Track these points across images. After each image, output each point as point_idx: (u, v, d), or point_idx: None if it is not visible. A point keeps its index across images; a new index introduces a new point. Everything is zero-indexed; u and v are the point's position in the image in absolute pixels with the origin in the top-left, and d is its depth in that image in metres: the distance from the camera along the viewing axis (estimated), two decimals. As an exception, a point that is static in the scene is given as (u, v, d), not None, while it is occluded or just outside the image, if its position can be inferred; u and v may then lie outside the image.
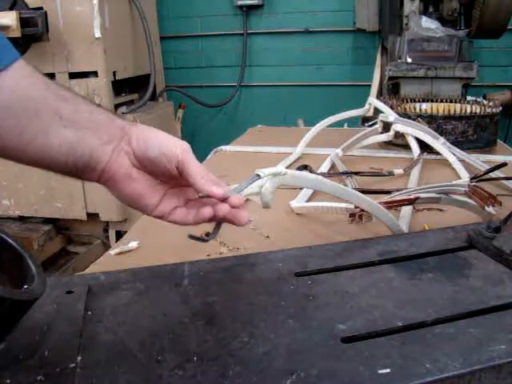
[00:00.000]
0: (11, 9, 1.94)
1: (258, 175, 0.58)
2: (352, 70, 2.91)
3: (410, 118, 1.31)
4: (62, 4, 2.04)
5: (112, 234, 2.32)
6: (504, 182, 1.00)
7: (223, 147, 1.44)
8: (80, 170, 0.51)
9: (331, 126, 1.44)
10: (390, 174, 1.08)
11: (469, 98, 1.56)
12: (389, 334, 0.45)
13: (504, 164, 0.89)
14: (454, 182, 0.87)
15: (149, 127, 0.54)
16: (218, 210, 0.53)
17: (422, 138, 1.24)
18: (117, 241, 1.18)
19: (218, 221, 0.56)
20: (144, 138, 0.52)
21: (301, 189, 0.97)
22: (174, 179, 0.54)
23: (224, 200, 0.53)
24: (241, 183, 0.56)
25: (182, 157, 0.51)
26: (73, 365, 0.41)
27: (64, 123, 0.49)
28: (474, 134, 1.31)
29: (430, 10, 2.01)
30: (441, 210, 0.88)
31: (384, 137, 1.33)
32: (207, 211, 0.53)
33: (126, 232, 0.87)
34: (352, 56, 2.90)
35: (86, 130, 0.50)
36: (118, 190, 0.53)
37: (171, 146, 0.51)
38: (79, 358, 0.42)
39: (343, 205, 0.78)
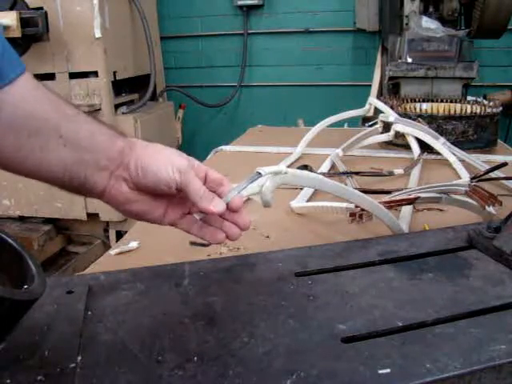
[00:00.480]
0: (11, 9, 1.94)
1: (259, 173, 0.58)
2: (352, 70, 2.91)
3: (410, 118, 1.31)
4: (62, 4, 2.04)
5: (112, 234, 2.32)
6: (504, 181, 1.00)
7: (223, 147, 1.44)
8: (76, 189, 0.51)
9: (331, 126, 1.44)
10: (391, 173, 1.08)
11: (469, 98, 1.56)
12: (389, 334, 0.45)
13: (504, 164, 0.89)
14: (455, 182, 0.87)
15: (146, 147, 0.52)
16: (228, 233, 0.55)
17: (422, 138, 1.24)
18: (117, 241, 1.19)
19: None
20: (142, 164, 0.50)
21: (301, 189, 0.97)
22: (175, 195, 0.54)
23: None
24: (241, 181, 0.56)
25: (181, 180, 0.50)
26: (73, 365, 0.41)
27: (64, 142, 0.48)
28: (474, 134, 1.31)
29: (431, 9, 2.01)
30: (441, 210, 0.88)
31: (384, 137, 1.33)
32: (220, 237, 0.54)
33: (126, 232, 0.87)
34: (352, 56, 2.90)
35: (84, 152, 0.49)
36: (121, 210, 0.54)
37: (169, 172, 0.50)
38: (79, 358, 0.42)
39: (343, 204, 0.77)
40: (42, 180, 0.50)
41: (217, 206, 0.52)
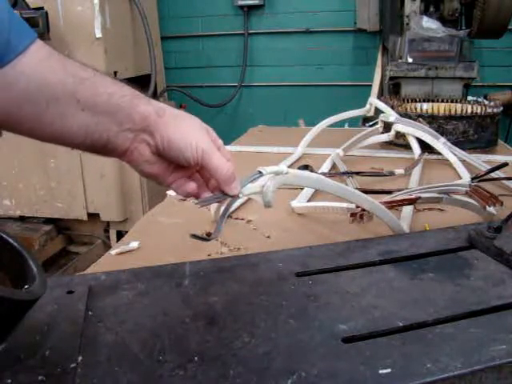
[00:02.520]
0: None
1: (260, 172, 0.58)
2: (353, 70, 2.91)
3: (410, 118, 1.31)
4: (63, 4, 2.05)
5: (113, 233, 2.32)
6: (505, 182, 1.00)
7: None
8: (98, 151, 0.52)
9: (332, 126, 1.44)
10: (391, 174, 1.08)
11: (470, 98, 1.56)
12: (389, 334, 0.45)
13: (505, 164, 0.89)
14: (455, 182, 0.87)
15: (176, 120, 0.53)
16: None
17: (422, 138, 1.23)
18: (117, 241, 1.19)
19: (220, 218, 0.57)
20: (168, 138, 0.51)
21: (301, 189, 0.97)
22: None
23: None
24: (242, 179, 0.56)
25: (203, 157, 0.52)
26: (74, 365, 0.41)
27: (82, 106, 0.48)
28: (474, 134, 1.31)
29: (431, 9, 2.01)
30: (442, 210, 0.88)
31: (385, 137, 1.33)
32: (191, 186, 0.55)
33: (126, 232, 0.88)
34: (353, 56, 2.90)
35: (104, 114, 0.49)
36: (137, 170, 0.55)
37: (193, 151, 0.51)
38: (80, 358, 0.42)
39: (344, 205, 0.77)
40: (64, 145, 0.51)
41: (235, 189, 0.55)
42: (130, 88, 0.52)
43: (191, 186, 0.55)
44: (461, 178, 1.04)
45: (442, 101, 1.49)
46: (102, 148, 0.51)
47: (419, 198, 0.77)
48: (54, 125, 0.48)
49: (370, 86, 2.46)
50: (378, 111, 1.48)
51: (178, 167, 0.55)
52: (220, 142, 0.56)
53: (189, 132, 0.52)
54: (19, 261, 0.42)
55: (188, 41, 3.06)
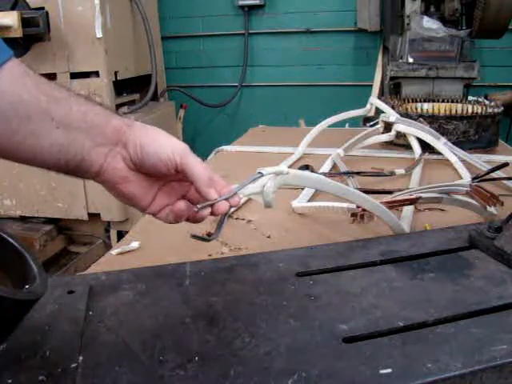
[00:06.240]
0: (12, 9, 1.94)
1: (261, 173, 0.58)
2: (353, 70, 2.91)
3: (411, 118, 1.31)
4: (64, 4, 2.04)
5: (113, 233, 2.32)
6: (505, 182, 1.00)
7: (224, 147, 1.44)
8: (72, 171, 0.51)
9: (332, 126, 1.44)
10: (392, 174, 1.08)
11: (470, 98, 1.56)
12: (390, 334, 0.45)
13: (506, 164, 0.88)
14: (456, 182, 0.87)
15: (145, 128, 0.53)
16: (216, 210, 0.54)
17: (423, 138, 1.23)
18: (118, 241, 1.18)
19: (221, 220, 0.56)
20: (141, 143, 0.51)
21: (302, 189, 0.97)
22: (172, 176, 0.54)
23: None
24: (242, 181, 0.56)
25: (181, 161, 0.51)
26: (74, 365, 0.41)
27: (56, 125, 0.48)
28: (475, 134, 1.31)
29: (432, 10, 2.01)
30: (442, 210, 0.88)
31: (385, 137, 1.33)
32: (206, 213, 0.53)
33: (127, 232, 0.88)
34: (353, 56, 2.90)
35: (78, 131, 0.49)
36: (115, 190, 0.53)
37: (169, 153, 0.50)
38: (81, 358, 0.42)
39: (345, 205, 0.77)
40: (37, 165, 0.50)
41: (213, 193, 0.52)
42: (103, 107, 0.52)
43: (179, 204, 0.53)
44: (461, 178, 1.04)
45: (443, 101, 1.49)
46: (76, 167, 0.50)
47: (420, 198, 0.77)
48: (27, 143, 0.47)
49: (371, 86, 2.46)
50: (378, 111, 1.48)
51: (161, 191, 0.54)
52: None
53: (160, 137, 0.52)
54: (20, 261, 0.42)
55: (188, 41, 3.06)
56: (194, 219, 0.54)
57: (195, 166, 0.51)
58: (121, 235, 2.22)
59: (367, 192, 0.76)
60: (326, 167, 1.14)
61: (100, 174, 0.52)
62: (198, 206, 0.53)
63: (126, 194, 0.53)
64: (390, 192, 0.83)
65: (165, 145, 0.51)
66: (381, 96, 2.16)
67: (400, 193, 0.81)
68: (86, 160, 0.50)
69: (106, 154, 0.51)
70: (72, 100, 0.50)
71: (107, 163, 0.51)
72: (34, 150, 0.48)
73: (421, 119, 1.30)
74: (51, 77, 2.09)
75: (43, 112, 0.47)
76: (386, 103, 1.41)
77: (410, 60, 1.82)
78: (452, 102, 1.48)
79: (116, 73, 2.22)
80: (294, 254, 0.63)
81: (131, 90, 2.49)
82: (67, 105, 0.49)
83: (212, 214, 0.54)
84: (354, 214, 0.74)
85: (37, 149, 0.48)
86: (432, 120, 1.30)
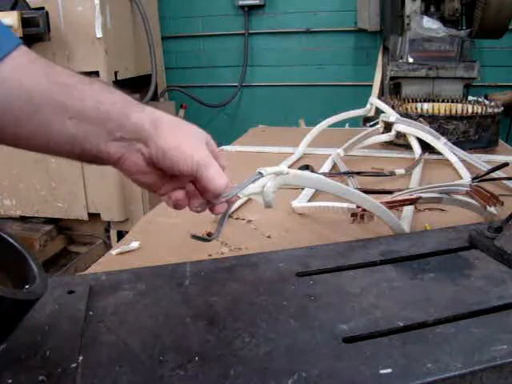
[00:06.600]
0: (13, 9, 1.94)
1: (261, 173, 0.58)
2: (353, 70, 2.91)
3: (411, 118, 1.31)
4: (64, 4, 2.04)
5: (113, 233, 2.32)
6: (505, 182, 1.00)
7: (224, 147, 1.44)
8: (89, 160, 0.50)
9: (332, 126, 1.44)
10: (392, 174, 1.08)
11: (470, 98, 1.56)
12: (390, 334, 0.45)
13: (506, 164, 0.88)
14: (456, 182, 0.87)
15: (174, 128, 0.51)
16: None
17: (423, 138, 1.24)
18: (118, 241, 1.18)
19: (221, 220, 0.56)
20: (162, 149, 0.49)
21: (302, 189, 0.97)
22: None
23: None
24: (242, 181, 0.56)
25: (198, 170, 0.50)
26: (74, 365, 0.41)
27: (69, 115, 0.46)
28: (475, 134, 1.31)
29: (432, 9, 2.01)
30: (442, 210, 0.88)
31: (385, 137, 1.33)
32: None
33: (127, 232, 0.88)
34: (353, 56, 2.90)
35: (93, 123, 0.47)
36: (131, 178, 0.53)
37: (188, 164, 0.49)
38: (81, 358, 0.42)
39: (345, 205, 0.77)
40: (52, 154, 0.49)
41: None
42: (122, 94, 0.50)
43: (178, 193, 0.53)
44: (461, 178, 1.04)
45: (443, 101, 1.49)
46: (93, 157, 0.49)
47: (420, 198, 0.77)
48: (39, 134, 0.46)
49: (371, 85, 2.45)
50: (378, 111, 1.48)
51: (172, 178, 0.53)
52: (218, 151, 0.55)
53: (185, 143, 0.50)
54: (20, 261, 0.42)
55: (188, 41, 3.06)
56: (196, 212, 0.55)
57: (209, 181, 0.51)
58: (121, 235, 2.23)
59: (367, 192, 0.76)
60: (326, 167, 1.14)
61: (118, 164, 0.51)
62: (197, 206, 0.54)
63: (141, 182, 0.53)
64: (390, 192, 0.83)
65: (188, 153, 0.49)
66: (381, 96, 2.16)
67: (400, 193, 0.81)
68: (103, 152, 0.49)
69: (125, 148, 0.49)
70: (86, 88, 0.48)
71: (126, 156, 0.50)
72: (47, 139, 0.47)
73: (421, 119, 1.30)
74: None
75: (55, 103, 0.46)
76: (386, 103, 1.41)
77: (410, 60, 1.82)
78: (452, 102, 1.48)
79: (116, 73, 2.22)
80: (294, 254, 0.63)
81: (131, 90, 2.47)
82: (80, 93, 0.47)
83: (210, 211, 0.55)
84: (354, 214, 0.74)
85: (50, 139, 0.47)
86: (432, 120, 1.30)
